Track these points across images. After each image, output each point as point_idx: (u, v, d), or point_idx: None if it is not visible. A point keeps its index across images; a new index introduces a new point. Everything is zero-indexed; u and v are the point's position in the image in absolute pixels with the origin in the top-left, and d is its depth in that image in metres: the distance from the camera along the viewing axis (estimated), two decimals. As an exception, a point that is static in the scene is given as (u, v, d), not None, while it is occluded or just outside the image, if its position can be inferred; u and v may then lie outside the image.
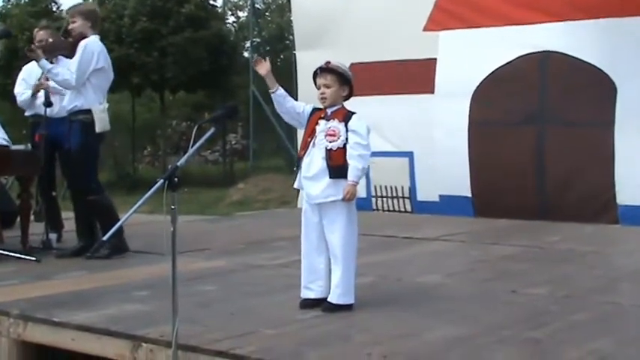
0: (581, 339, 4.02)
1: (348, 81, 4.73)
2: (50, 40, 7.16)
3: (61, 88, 6.87)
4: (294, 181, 4.84)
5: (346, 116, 4.69)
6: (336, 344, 3.92)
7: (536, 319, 4.46)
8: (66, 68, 6.71)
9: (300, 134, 11.72)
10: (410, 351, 3.82)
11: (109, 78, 6.93)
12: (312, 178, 4.68)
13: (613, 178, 8.84)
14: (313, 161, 4.68)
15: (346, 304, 4.67)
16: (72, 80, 6.61)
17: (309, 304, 4.73)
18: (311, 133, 4.72)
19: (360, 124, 4.70)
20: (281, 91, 4.82)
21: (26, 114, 7.41)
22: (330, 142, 4.64)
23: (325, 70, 4.71)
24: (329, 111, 4.72)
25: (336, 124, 4.66)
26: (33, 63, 7.21)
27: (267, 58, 4.91)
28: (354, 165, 4.61)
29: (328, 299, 4.68)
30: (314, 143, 4.69)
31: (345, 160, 4.63)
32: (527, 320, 4.43)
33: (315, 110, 4.80)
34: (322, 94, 4.71)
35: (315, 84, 4.78)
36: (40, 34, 7.29)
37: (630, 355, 3.76)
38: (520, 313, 4.61)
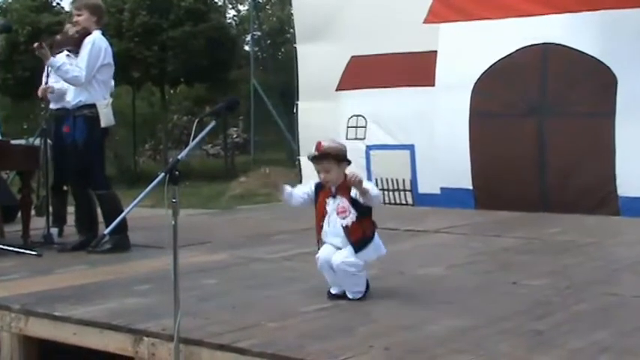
0: (583, 330, 4.02)
1: (344, 157, 4.66)
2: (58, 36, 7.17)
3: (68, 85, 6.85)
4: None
5: (349, 189, 4.64)
6: (339, 336, 3.92)
7: (538, 310, 4.46)
8: (74, 64, 6.70)
9: (302, 132, 11.76)
10: (412, 343, 3.82)
11: (112, 72, 6.94)
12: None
13: (614, 169, 8.84)
14: (334, 238, 4.70)
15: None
16: (82, 77, 6.60)
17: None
18: (322, 217, 4.72)
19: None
20: (286, 190, 4.85)
21: (51, 106, 7.36)
22: (343, 218, 4.64)
23: (318, 157, 4.63)
24: (333, 188, 4.68)
25: (342, 201, 4.64)
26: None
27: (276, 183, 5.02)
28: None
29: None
30: (329, 223, 4.69)
31: (364, 230, 4.65)
32: (529, 311, 4.43)
33: (319, 187, 4.77)
34: (324, 179, 4.67)
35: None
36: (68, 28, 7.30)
37: (632, 345, 3.76)
38: (522, 305, 4.61)
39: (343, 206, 4.63)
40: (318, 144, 4.64)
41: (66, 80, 6.73)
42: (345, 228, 4.62)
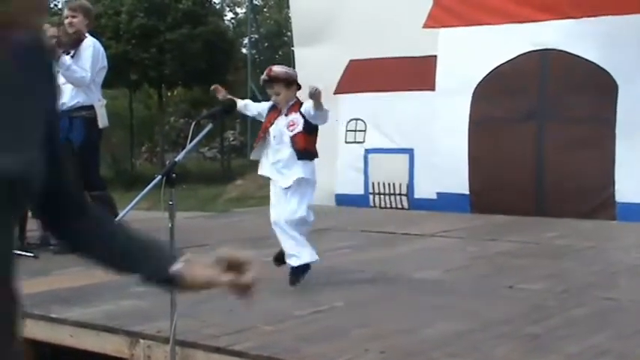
0: (580, 334, 4.02)
1: (293, 81, 5.32)
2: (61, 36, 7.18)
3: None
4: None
5: (300, 106, 5.24)
6: (334, 340, 3.92)
7: (535, 314, 4.46)
8: (79, 66, 6.74)
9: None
10: (408, 346, 3.81)
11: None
12: (283, 167, 5.22)
13: (612, 175, 8.84)
14: (281, 152, 5.21)
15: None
16: (87, 78, 6.72)
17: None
18: (264, 130, 5.31)
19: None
20: (239, 103, 5.47)
21: None
22: (292, 130, 5.18)
23: (269, 80, 5.26)
24: (285, 108, 5.27)
25: (293, 116, 5.21)
26: None
27: (216, 85, 5.56)
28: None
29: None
30: (274, 137, 5.22)
31: (307, 143, 5.20)
32: (526, 315, 4.43)
33: (272, 108, 5.36)
34: (275, 100, 5.31)
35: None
36: (52, 31, 7.26)
37: (629, 350, 3.76)
38: (519, 309, 4.61)
39: (293, 120, 5.20)
40: (269, 69, 5.33)
41: (71, 80, 6.74)
42: (292, 138, 5.16)
